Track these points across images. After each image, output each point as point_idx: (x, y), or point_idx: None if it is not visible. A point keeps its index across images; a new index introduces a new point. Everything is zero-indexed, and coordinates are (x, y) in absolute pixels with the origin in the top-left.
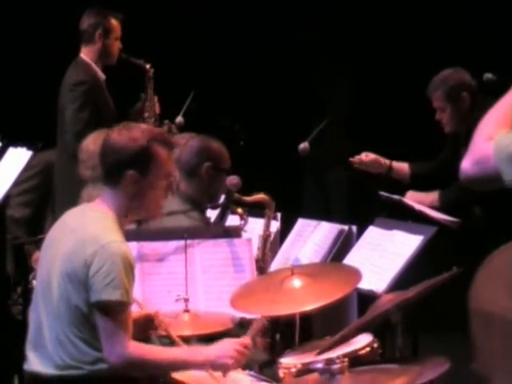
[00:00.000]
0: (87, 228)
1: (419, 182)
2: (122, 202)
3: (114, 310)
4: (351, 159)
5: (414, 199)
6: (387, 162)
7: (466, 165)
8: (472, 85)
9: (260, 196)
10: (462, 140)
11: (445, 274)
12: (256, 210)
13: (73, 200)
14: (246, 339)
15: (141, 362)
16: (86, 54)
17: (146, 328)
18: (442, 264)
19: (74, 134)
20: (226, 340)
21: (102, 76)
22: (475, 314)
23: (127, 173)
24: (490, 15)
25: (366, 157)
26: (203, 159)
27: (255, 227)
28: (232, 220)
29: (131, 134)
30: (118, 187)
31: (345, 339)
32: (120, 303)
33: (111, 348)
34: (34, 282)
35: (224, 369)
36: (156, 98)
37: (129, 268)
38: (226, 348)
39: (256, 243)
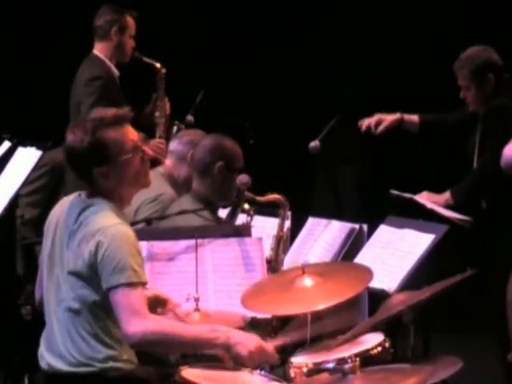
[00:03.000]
0: (88, 220)
1: (427, 132)
2: (110, 195)
3: (127, 290)
4: (360, 123)
5: (428, 200)
6: (397, 115)
7: (509, 150)
8: (499, 66)
9: (274, 196)
10: (478, 121)
11: (459, 275)
12: (266, 208)
13: None
14: (270, 346)
15: (159, 335)
16: (99, 50)
17: (154, 307)
18: (447, 263)
19: None
20: (255, 336)
21: (116, 72)
22: None
23: (94, 172)
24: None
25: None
26: (216, 158)
27: (265, 226)
28: (242, 219)
29: (76, 136)
30: (98, 186)
31: (355, 337)
32: (129, 284)
33: (129, 321)
34: None
35: (237, 357)
36: (166, 99)
37: (132, 246)
38: (250, 340)
39: (268, 242)
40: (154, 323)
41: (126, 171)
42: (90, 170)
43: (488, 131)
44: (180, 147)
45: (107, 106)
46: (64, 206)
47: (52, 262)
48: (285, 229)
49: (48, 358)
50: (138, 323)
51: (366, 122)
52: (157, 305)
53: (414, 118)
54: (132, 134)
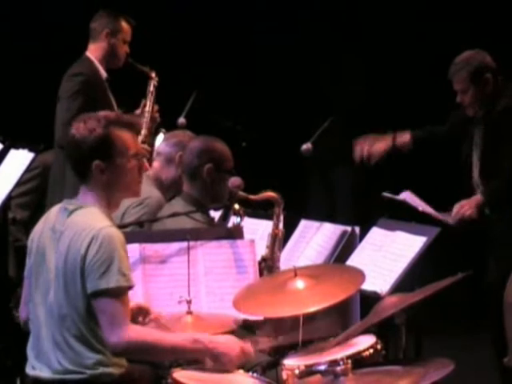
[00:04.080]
0: (76, 223)
1: (420, 149)
2: (99, 193)
3: (113, 296)
4: (357, 159)
5: (469, 204)
6: (387, 142)
7: None
8: (494, 67)
9: (268, 194)
10: (476, 123)
11: (450, 278)
12: (259, 211)
13: (65, 195)
14: (249, 346)
15: (142, 345)
16: (91, 52)
17: (137, 316)
18: (442, 264)
19: (61, 121)
20: (234, 340)
21: (103, 74)
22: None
23: (93, 164)
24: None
25: (368, 148)
26: (204, 161)
27: (258, 228)
28: (234, 221)
29: (88, 126)
30: (90, 181)
31: (348, 339)
32: (118, 289)
33: (112, 330)
34: None
35: (220, 364)
36: (156, 107)
37: (122, 250)
38: (231, 349)
39: (260, 245)
40: (137, 333)
41: (122, 174)
42: (91, 162)
43: (505, 133)
44: (168, 149)
45: (85, 102)
46: (48, 218)
47: (39, 271)
48: (280, 226)
49: (36, 366)
50: (120, 332)
51: (358, 152)
52: (139, 314)
53: (406, 137)
54: (138, 143)
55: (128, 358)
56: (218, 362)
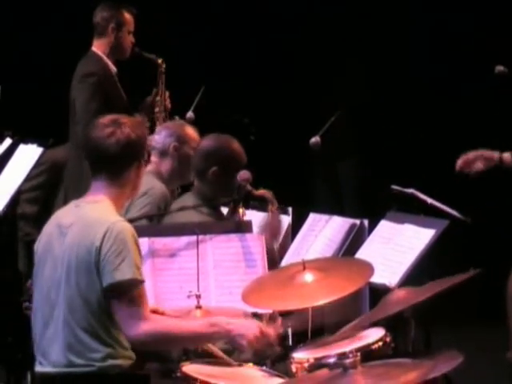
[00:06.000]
0: (88, 216)
1: None
2: (117, 191)
3: (129, 289)
4: (458, 167)
5: None
6: (496, 154)
7: None
8: None
9: (262, 191)
10: None
11: (462, 275)
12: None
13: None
14: (270, 330)
15: (161, 335)
16: (97, 47)
17: None
18: (450, 258)
19: (83, 124)
20: (253, 321)
21: (113, 68)
22: None
23: (134, 164)
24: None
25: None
26: (210, 164)
27: None
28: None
29: (140, 128)
30: (120, 178)
31: (355, 331)
32: (134, 281)
33: (129, 324)
34: None
35: (239, 348)
36: (167, 94)
37: (136, 245)
38: (250, 328)
39: None
40: (155, 323)
41: (140, 176)
42: (134, 161)
43: None
44: (160, 142)
45: (102, 102)
46: (54, 218)
47: (43, 269)
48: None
49: (42, 361)
50: (139, 324)
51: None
52: None
53: (508, 158)
54: None
55: (147, 348)
56: (238, 348)
